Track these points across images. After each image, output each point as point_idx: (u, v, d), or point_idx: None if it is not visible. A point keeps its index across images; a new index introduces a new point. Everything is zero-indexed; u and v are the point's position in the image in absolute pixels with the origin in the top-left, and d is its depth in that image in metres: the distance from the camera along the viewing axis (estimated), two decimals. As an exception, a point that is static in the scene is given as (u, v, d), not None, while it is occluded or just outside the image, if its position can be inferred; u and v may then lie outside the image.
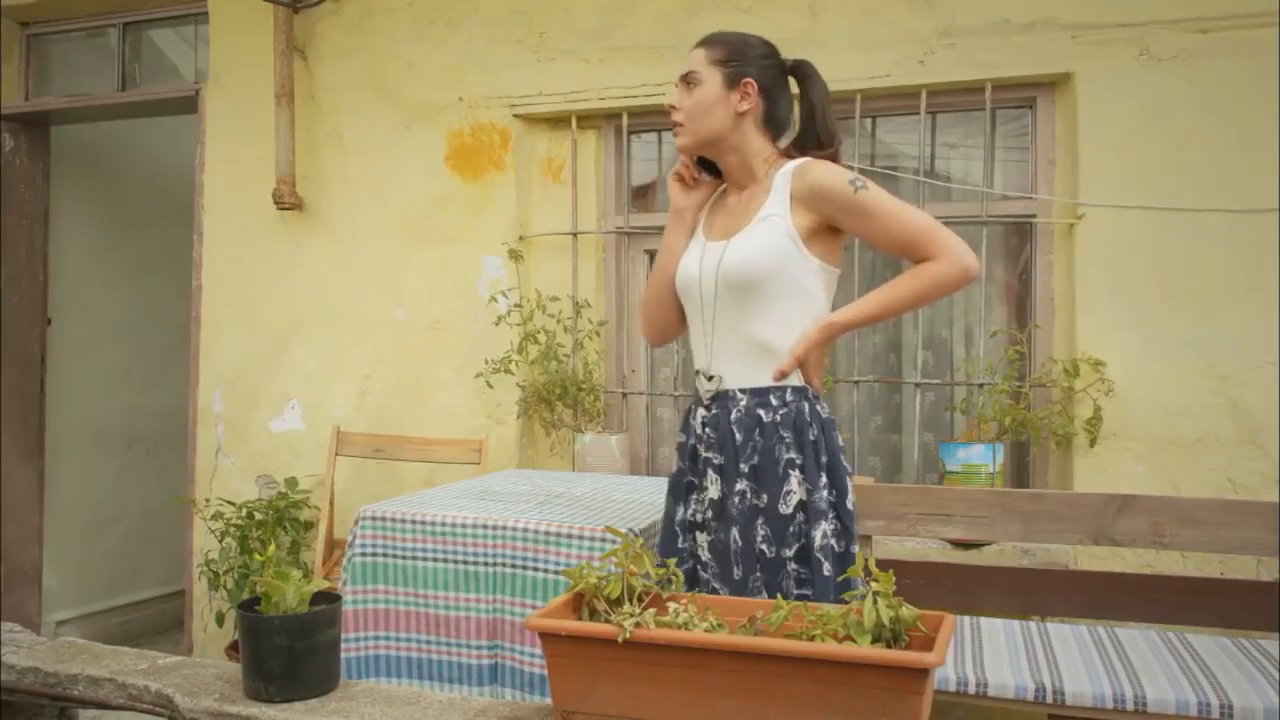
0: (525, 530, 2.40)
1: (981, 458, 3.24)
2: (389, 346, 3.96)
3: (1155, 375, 3.13)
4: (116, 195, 5.24)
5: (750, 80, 2.14)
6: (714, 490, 2.07)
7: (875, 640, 1.48)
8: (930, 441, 3.55)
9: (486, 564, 2.42)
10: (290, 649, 1.74)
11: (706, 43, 2.20)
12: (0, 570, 4.65)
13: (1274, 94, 3.02)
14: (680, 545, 2.14)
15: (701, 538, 2.11)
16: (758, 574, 2.01)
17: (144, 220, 5.34)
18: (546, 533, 2.37)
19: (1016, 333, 3.33)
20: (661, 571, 1.64)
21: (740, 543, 2.01)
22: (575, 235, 3.76)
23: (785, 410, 2.02)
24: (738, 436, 2.03)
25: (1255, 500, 2.84)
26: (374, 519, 2.58)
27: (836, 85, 3.40)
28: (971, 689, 2.37)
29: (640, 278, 3.82)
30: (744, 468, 2.03)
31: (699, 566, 2.11)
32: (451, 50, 3.89)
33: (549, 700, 2.20)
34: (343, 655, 2.21)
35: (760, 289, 2.03)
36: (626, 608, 1.53)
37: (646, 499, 2.79)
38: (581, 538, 2.34)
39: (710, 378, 2.09)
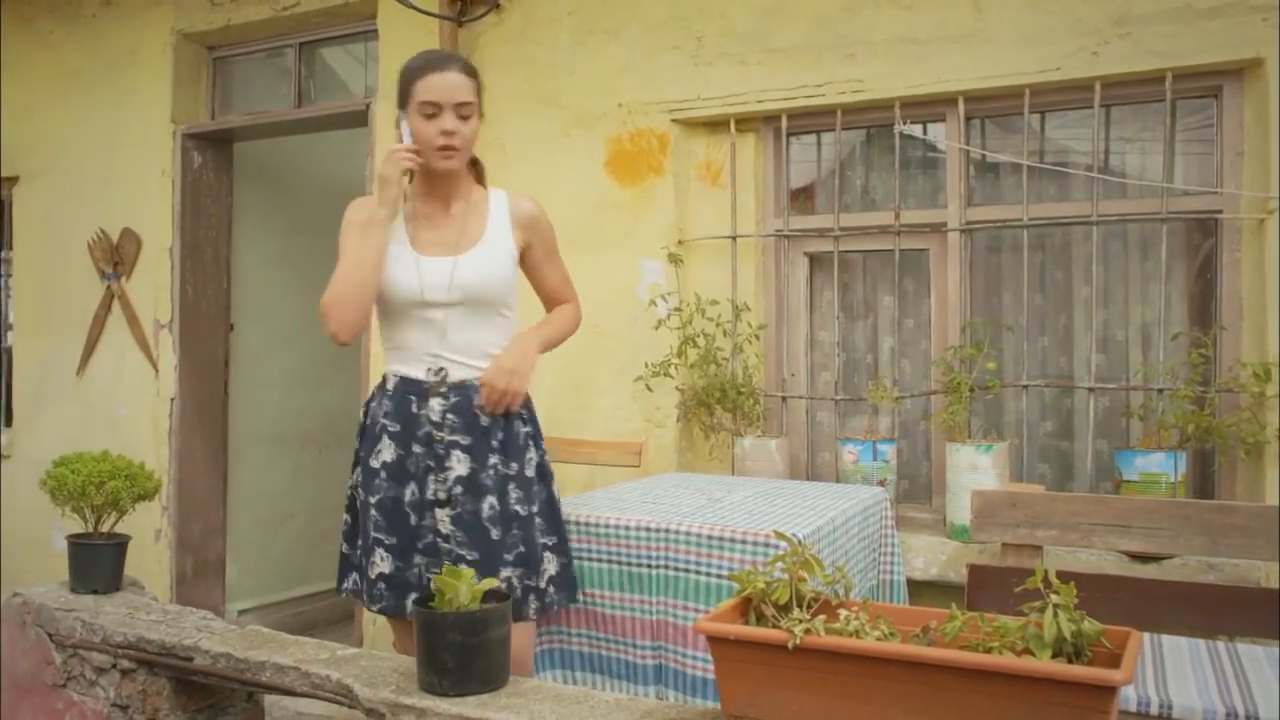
0: (690, 534, 2.40)
1: (1162, 466, 3.08)
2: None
3: (1357, 380, 2.92)
4: (292, 206, 5.51)
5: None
6: (461, 469, 2.35)
7: (1055, 655, 1.43)
8: (1104, 449, 3.40)
9: (651, 566, 2.43)
10: (463, 645, 1.79)
11: (468, 70, 2.41)
12: (189, 562, 4.94)
13: None
14: (415, 523, 2.37)
15: (442, 514, 2.35)
16: (516, 531, 2.36)
17: (318, 229, 5.57)
18: (711, 536, 2.37)
19: (1200, 335, 3.16)
20: (830, 578, 1.62)
21: (495, 508, 2.35)
22: (734, 239, 3.76)
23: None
24: (483, 419, 2.38)
25: None
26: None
27: (1002, 80, 3.34)
28: (1154, 710, 2.25)
29: (800, 280, 3.78)
30: (495, 443, 2.38)
31: (439, 539, 2.36)
32: (610, 57, 3.94)
33: (710, 703, 2.21)
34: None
35: (492, 301, 2.41)
36: (796, 613, 1.51)
37: (810, 503, 2.76)
38: (746, 542, 2.32)
39: (439, 370, 2.39)
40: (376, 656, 2.11)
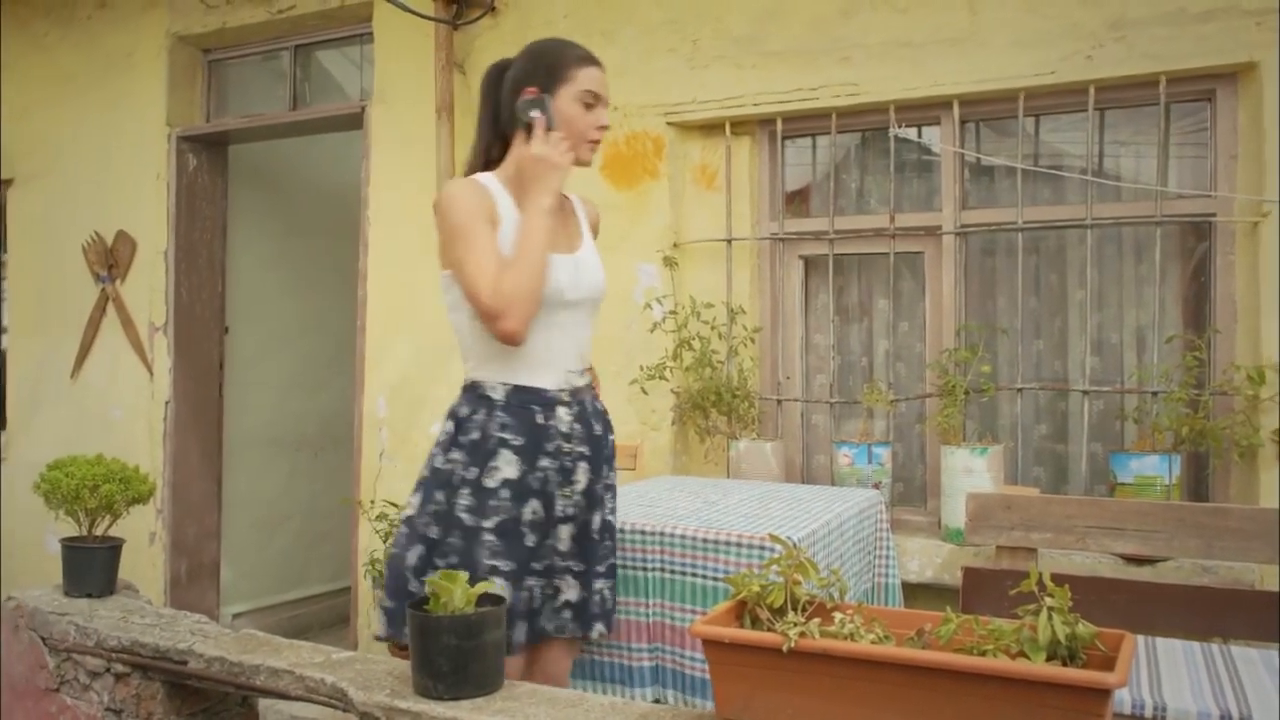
0: (685, 537, 2.40)
1: (1156, 469, 3.08)
2: (545, 353, 4.03)
3: (1351, 383, 2.93)
4: (288, 209, 5.51)
5: None
6: (584, 480, 2.25)
7: (1050, 658, 1.43)
8: (1099, 451, 3.40)
9: (647, 569, 2.43)
10: (458, 648, 1.79)
11: (602, 67, 2.34)
12: (183, 565, 4.93)
13: None
14: (534, 544, 2.18)
15: (565, 530, 2.24)
16: (608, 543, 2.30)
17: (313, 232, 5.59)
18: (706, 540, 2.37)
19: (1194, 338, 3.16)
20: (825, 581, 1.62)
21: (601, 520, 2.29)
22: (729, 242, 3.76)
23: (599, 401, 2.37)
24: (597, 428, 2.29)
25: None
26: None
27: (997, 84, 3.34)
28: (1148, 712, 2.26)
29: (795, 283, 3.79)
30: (605, 454, 2.31)
31: (558, 558, 2.23)
32: (607, 60, 3.85)
33: (709, 704, 2.21)
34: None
35: (600, 302, 2.35)
36: (791, 617, 1.51)
37: (805, 506, 2.76)
38: (741, 545, 2.32)
39: (582, 373, 2.29)
40: (371, 660, 2.10)
